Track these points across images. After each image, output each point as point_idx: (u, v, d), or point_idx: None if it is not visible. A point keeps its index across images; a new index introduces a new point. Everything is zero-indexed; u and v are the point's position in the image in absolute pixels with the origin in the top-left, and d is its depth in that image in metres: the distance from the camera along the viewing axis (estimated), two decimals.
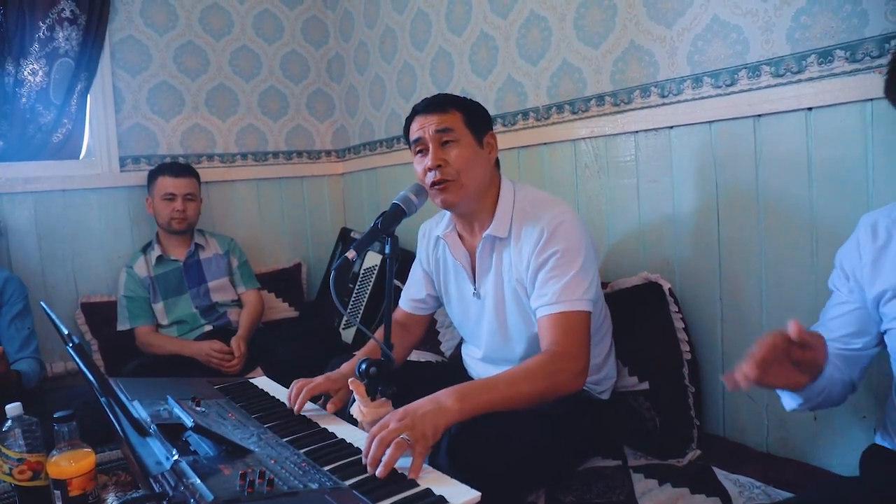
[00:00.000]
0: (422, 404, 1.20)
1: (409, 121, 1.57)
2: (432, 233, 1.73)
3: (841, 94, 1.41)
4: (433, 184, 1.49)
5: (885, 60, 1.34)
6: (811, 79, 1.47)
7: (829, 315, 1.21)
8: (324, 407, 1.46)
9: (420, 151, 1.53)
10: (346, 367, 1.57)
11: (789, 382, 1.02)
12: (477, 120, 1.54)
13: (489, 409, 1.25)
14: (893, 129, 1.35)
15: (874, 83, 1.35)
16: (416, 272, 1.81)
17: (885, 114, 1.36)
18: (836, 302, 1.21)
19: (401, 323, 1.79)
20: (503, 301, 1.56)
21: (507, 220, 1.53)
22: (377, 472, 1.06)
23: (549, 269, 1.43)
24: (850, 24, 1.39)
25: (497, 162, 1.61)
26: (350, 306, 2.68)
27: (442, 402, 1.21)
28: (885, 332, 1.12)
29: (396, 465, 1.07)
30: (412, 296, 1.81)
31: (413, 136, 1.54)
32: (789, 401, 1.17)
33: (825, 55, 1.44)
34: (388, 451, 1.07)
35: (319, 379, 1.51)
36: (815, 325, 1.24)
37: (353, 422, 1.35)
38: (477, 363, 1.69)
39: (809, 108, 1.48)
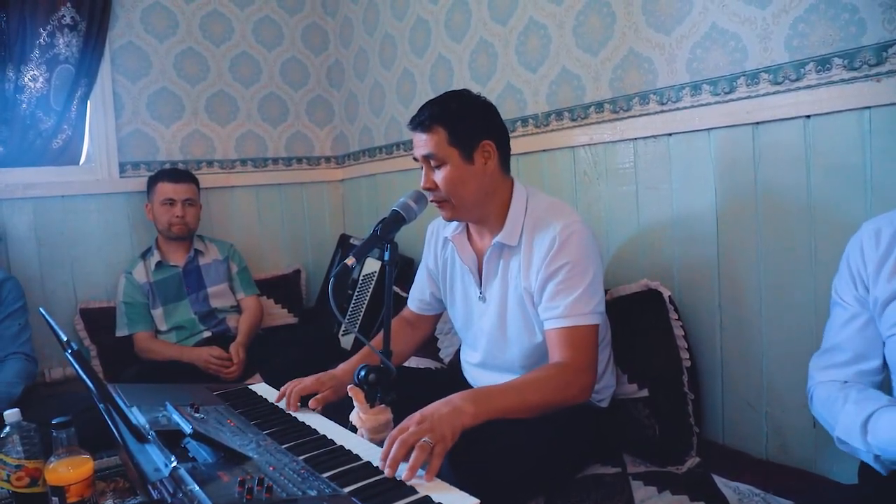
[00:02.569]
0: (438, 407, 1.21)
1: None
2: (441, 233, 1.73)
3: (839, 102, 1.41)
4: (431, 200, 1.53)
5: (882, 69, 1.34)
6: (809, 86, 1.47)
7: (842, 336, 1.16)
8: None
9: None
10: (338, 369, 1.62)
11: None
12: (465, 133, 1.48)
13: (501, 415, 1.27)
14: (892, 137, 1.35)
15: (873, 91, 1.36)
16: (421, 272, 1.83)
17: (883, 122, 1.36)
18: (844, 319, 1.16)
19: (409, 320, 1.85)
20: (506, 308, 1.56)
21: (518, 228, 1.53)
22: (403, 477, 1.06)
23: (560, 280, 1.44)
24: (848, 33, 1.40)
25: (507, 164, 1.59)
26: (349, 313, 2.68)
27: (457, 405, 1.22)
28: (883, 341, 1.12)
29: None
30: (416, 296, 1.84)
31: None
32: None
33: (823, 63, 1.44)
34: (413, 455, 1.08)
35: (308, 380, 1.57)
36: (819, 352, 1.21)
37: (353, 429, 1.35)
38: (473, 368, 1.70)
39: (808, 116, 1.48)
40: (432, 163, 1.50)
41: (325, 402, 1.52)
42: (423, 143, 1.50)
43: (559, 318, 1.42)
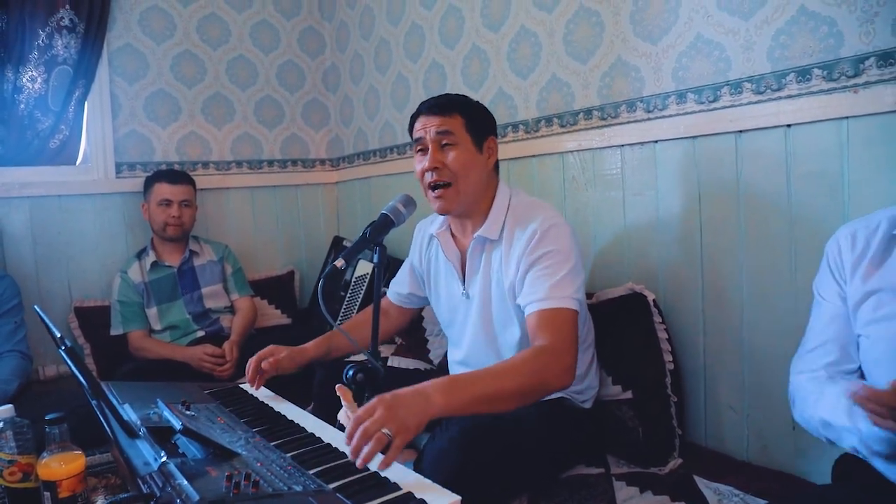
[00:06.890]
0: (408, 394, 1.18)
1: (413, 118, 1.60)
2: (427, 230, 1.76)
3: (818, 112, 1.45)
4: (430, 186, 1.54)
5: (860, 80, 1.38)
6: (790, 96, 1.51)
7: (829, 333, 1.17)
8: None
9: (420, 150, 1.56)
10: (296, 347, 1.70)
11: None
12: (479, 125, 1.56)
13: (474, 404, 1.23)
14: (868, 146, 1.39)
15: (850, 102, 1.39)
16: (405, 267, 1.87)
17: (860, 132, 1.40)
18: (830, 315, 1.17)
19: (383, 309, 1.85)
20: (489, 302, 1.59)
21: (500, 222, 1.56)
22: (357, 463, 1.07)
23: (541, 267, 1.45)
24: (827, 45, 1.43)
25: (497, 167, 1.64)
26: (341, 314, 2.70)
27: (428, 395, 1.19)
28: (857, 338, 1.14)
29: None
30: (396, 289, 1.88)
31: (415, 134, 1.57)
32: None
33: (804, 73, 1.48)
34: (370, 446, 1.07)
35: (264, 351, 1.65)
36: (801, 353, 1.22)
37: (341, 427, 1.37)
38: (457, 366, 1.72)
39: (788, 125, 1.51)
40: (444, 142, 1.52)
41: (277, 365, 1.61)
42: (438, 122, 1.52)
43: (539, 301, 1.41)
